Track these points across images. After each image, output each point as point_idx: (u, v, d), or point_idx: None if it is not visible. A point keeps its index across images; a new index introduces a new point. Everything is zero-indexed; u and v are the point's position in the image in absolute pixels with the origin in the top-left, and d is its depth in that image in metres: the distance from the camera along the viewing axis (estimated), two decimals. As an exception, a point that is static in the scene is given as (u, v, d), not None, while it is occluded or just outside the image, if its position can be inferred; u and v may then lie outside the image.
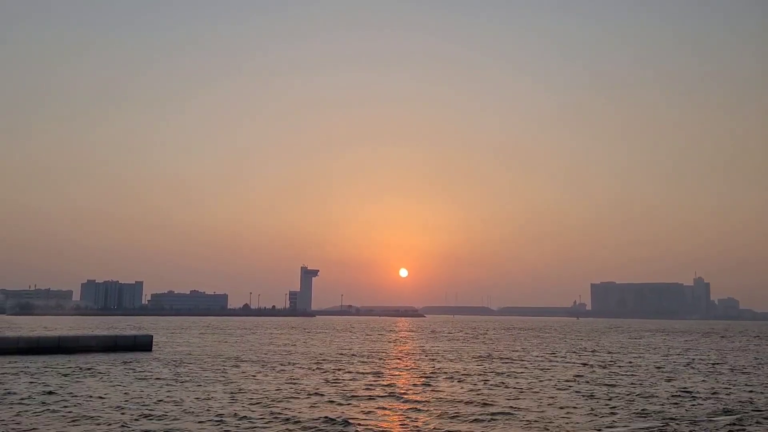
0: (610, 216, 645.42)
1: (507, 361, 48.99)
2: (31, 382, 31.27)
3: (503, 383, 33.59)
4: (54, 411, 23.30)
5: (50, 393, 27.71)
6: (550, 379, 35.81)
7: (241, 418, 22.30)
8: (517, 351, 61.60)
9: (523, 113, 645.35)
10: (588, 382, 35.01)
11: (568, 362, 48.57)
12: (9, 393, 27.56)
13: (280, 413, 23.37)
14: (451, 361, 48.27)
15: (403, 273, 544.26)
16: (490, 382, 33.93)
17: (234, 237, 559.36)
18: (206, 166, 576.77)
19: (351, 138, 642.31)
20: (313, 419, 22.25)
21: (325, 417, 22.65)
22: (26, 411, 23.26)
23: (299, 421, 21.88)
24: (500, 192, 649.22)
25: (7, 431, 19.83)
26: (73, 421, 21.50)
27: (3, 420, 21.44)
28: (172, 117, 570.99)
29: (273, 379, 33.98)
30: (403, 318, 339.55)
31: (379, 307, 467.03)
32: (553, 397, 28.43)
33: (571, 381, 35.24)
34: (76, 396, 27.08)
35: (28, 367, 38.23)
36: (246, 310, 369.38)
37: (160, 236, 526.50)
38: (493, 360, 49.56)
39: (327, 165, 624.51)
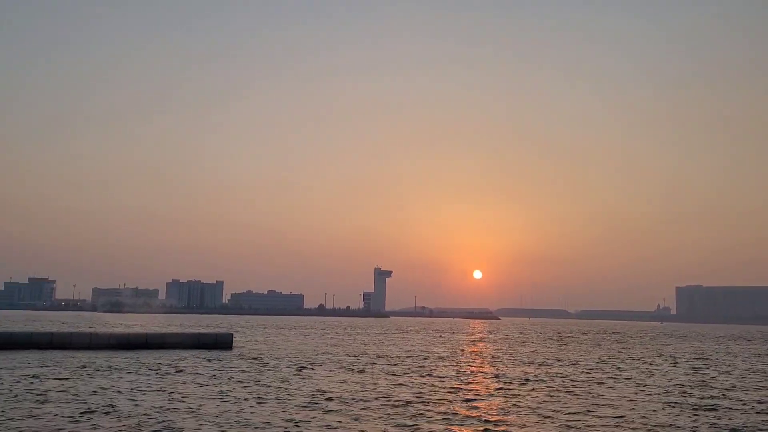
0: (697, 216, 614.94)
1: (596, 368, 46.91)
2: (126, 375, 32.38)
3: (593, 392, 31.97)
4: (151, 405, 23.84)
5: (140, 387, 28.56)
6: (643, 389, 33.86)
7: (320, 418, 22.07)
8: (606, 357, 58.99)
9: (601, 109, 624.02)
10: (688, 392, 32.85)
11: (658, 369, 46.03)
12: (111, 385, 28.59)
13: (357, 413, 22.99)
14: (534, 364, 46.72)
15: (477, 275, 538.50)
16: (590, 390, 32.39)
17: (309, 238, 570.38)
18: (284, 169, 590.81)
19: (423, 141, 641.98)
20: (386, 420, 21.73)
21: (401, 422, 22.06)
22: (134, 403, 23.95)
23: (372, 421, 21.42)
24: (578, 191, 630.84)
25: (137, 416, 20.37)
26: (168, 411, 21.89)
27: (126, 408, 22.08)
28: (252, 119, 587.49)
29: (352, 379, 33.75)
30: (477, 320, 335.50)
31: (453, 308, 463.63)
32: (650, 409, 26.73)
33: (670, 391, 33.19)
34: (163, 391, 27.70)
35: (120, 362, 39.72)
36: (321, 310, 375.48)
37: (240, 238, 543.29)
38: (578, 365, 47.62)
39: (400, 167, 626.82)
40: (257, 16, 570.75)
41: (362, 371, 38.50)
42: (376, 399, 26.95)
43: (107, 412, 22.30)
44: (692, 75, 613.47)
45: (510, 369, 42.76)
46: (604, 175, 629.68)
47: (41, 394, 26.01)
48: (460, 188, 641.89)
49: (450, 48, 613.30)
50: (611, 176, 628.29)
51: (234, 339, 60.67)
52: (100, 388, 28.32)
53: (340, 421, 21.82)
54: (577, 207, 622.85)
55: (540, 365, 46.33)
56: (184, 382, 31.02)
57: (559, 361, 51.17)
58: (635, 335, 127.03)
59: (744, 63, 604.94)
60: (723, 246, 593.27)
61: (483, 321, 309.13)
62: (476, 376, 37.53)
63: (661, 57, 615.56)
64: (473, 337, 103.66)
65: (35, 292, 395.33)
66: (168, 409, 23.18)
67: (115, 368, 36.54)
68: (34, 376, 31.72)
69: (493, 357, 54.78)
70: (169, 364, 39.50)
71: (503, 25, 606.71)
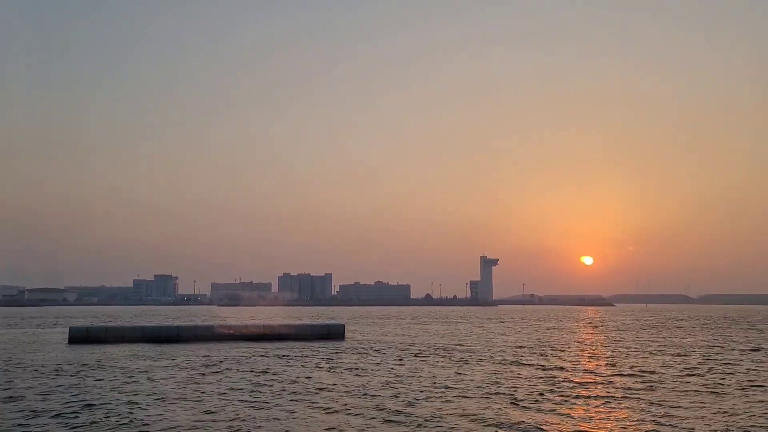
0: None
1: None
2: (254, 363, 33.53)
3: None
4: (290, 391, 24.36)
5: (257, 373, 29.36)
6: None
7: (436, 408, 21.53)
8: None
9: (714, 80, 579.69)
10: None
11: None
12: (269, 371, 29.65)
13: (455, 408, 22.22)
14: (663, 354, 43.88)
15: (588, 260, 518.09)
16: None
17: (415, 228, 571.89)
18: (388, 161, 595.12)
19: (526, 122, 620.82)
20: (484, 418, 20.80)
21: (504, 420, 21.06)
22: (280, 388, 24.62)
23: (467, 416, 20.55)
24: (693, 169, 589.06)
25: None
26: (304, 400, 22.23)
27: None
28: (354, 108, 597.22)
29: (462, 369, 33.02)
30: (590, 307, 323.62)
31: (563, 296, 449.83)
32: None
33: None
34: (281, 379, 28.27)
35: (248, 352, 41.29)
36: (428, 300, 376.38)
37: (346, 231, 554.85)
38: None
39: (503, 152, 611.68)
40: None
41: (464, 360, 37.65)
42: (472, 391, 26.05)
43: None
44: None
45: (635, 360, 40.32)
46: (731, 149, 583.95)
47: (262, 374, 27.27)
48: (567, 170, 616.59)
49: (547, 17, 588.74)
50: (739, 150, 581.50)
51: (345, 329, 61.68)
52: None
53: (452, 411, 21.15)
54: (699, 185, 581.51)
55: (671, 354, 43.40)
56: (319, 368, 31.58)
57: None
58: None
59: None
60: None
61: (596, 308, 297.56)
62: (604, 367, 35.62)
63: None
64: (590, 325, 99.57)
65: (160, 289, 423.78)
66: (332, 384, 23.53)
67: (249, 356, 37.97)
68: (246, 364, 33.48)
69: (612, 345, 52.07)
70: (286, 355, 40.52)
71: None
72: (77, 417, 20.31)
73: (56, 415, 20.63)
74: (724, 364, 37.01)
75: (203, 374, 30.88)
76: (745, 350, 47.05)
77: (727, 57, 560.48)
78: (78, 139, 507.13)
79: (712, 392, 25.70)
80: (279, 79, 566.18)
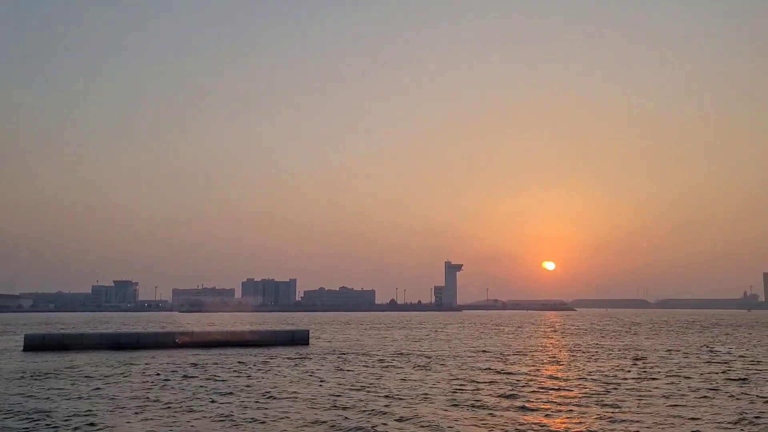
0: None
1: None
2: (216, 373, 33.03)
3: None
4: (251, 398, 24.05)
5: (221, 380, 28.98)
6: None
7: (401, 414, 21.56)
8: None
9: (675, 87, 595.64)
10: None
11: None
12: (217, 380, 29.15)
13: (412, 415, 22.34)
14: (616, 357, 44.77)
15: (550, 266, 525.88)
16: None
17: (380, 234, 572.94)
18: (351, 168, 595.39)
19: (488, 126, 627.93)
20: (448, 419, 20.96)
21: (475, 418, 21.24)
22: (236, 399, 24.23)
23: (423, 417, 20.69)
24: (654, 176, 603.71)
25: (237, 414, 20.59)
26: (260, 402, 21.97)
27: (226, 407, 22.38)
28: (319, 112, 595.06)
29: (424, 374, 33.15)
30: (552, 312, 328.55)
31: (526, 300, 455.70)
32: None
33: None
34: (249, 387, 27.95)
35: (209, 359, 40.66)
36: (393, 306, 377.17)
37: (311, 237, 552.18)
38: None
39: (466, 157, 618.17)
40: (311, 8, 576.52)
41: (427, 367, 37.84)
42: (439, 395, 26.22)
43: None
44: (750, 48, 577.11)
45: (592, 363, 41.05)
46: (686, 156, 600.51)
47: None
48: (529, 177, 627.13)
49: (517, 22, 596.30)
50: (698, 158, 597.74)
51: (310, 335, 61.33)
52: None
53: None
54: (655, 192, 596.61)
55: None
56: (268, 380, 31.27)
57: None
58: (725, 324, 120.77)
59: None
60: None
61: (558, 313, 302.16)
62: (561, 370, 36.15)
63: (753, 32, 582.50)
64: (549, 330, 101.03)
65: (120, 295, 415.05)
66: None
67: (213, 364, 37.37)
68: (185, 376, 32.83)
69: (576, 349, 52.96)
70: (248, 363, 40.08)
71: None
72: (32, 428, 19.70)
73: (6, 427, 19.97)
74: (682, 367, 37.90)
75: (163, 382, 30.31)
76: (700, 354, 48.31)
77: (692, 67, 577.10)
78: (34, 140, 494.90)
79: (664, 396, 26.28)
80: (247, 85, 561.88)
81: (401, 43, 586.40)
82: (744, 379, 31.68)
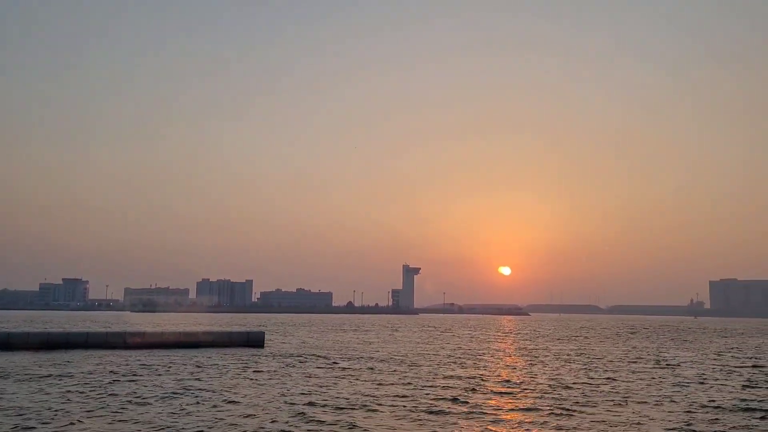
0: (731, 208, 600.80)
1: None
2: (168, 375, 32.49)
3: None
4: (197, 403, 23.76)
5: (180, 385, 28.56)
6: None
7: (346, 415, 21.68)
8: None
9: (634, 98, 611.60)
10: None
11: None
12: (157, 386, 28.64)
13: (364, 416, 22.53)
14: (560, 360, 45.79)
15: (506, 271, 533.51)
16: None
17: (338, 237, 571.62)
18: (309, 169, 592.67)
19: (448, 131, 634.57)
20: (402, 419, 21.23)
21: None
22: (181, 402, 23.88)
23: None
24: (609, 184, 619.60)
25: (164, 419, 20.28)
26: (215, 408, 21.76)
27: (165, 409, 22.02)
28: (278, 118, 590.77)
29: (378, 378, 33.35)
30: (507, 316, 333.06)
31: (482, 305, 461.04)
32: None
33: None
34: (201, 390, 27.62)
35: (161, 361, 39.94)
36: (350, 308, 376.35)
37: (268, 237, 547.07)
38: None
39: (425, 162, 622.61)
40: (279, 16, 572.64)
41: (373, 369, 38.08)
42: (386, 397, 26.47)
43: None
44: (713, 62, 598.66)
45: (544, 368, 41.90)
46: (640, 167, 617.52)
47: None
48: (489, 182, 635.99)
49: (477, 34, 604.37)
50: (641, 168, 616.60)
51: (266, 337, 60.82)
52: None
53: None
54: (610, 201, 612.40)
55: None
56: (220, 382, 30.95)
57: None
58: (670, 330, 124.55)
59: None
60: (758, 238, 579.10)
61: (513, 317, 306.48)
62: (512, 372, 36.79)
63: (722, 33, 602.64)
64: (507, 335, 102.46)
65: (69, 293, 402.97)
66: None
67: (162, 366, 36.71)
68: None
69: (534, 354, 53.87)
70: (202, 364, 39.57)
71: (553, 3, 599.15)
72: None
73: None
74: (631, 372, 39.01)
75: (112, 384, 29.71)
76: (646, 358, 49.79)
77: (655, 74, 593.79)
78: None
79: (614, 402, 27.06)
80: (184, 89, 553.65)
81: (362, 50, 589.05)
82: (689, 383, 32.84)
